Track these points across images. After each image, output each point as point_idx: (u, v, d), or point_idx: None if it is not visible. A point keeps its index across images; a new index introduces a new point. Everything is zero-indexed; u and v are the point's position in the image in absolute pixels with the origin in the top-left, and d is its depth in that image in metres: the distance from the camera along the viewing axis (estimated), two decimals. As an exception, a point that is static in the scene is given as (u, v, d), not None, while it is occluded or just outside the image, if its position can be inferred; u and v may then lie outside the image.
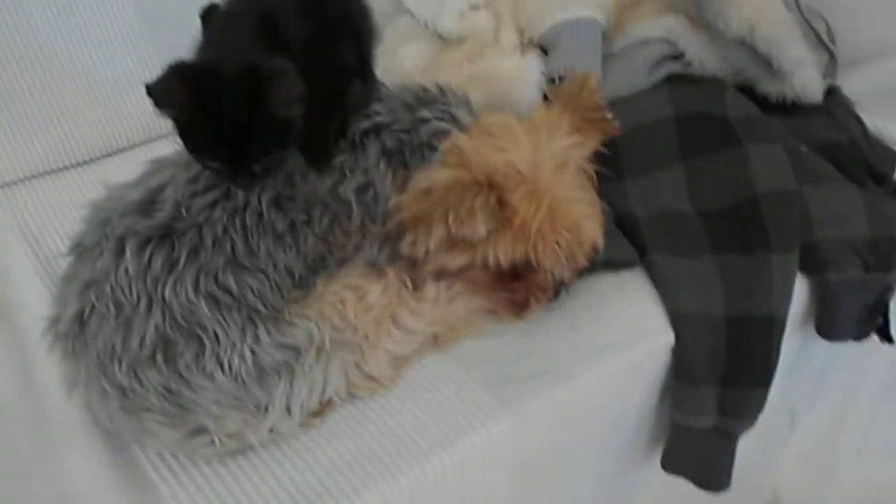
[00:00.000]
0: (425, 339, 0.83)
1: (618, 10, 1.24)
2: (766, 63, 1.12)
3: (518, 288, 0.84)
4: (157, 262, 0.69)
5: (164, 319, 0.68)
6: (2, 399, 0.81)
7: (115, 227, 0.71)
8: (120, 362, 0.68)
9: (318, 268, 0.78)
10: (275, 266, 0.74)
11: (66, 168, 1.16)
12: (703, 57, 1.17)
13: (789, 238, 0.95)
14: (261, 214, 0.74)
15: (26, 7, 1.08)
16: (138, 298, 0.68)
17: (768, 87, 1.13)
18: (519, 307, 0.86)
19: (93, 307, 0.69)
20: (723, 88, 1.13)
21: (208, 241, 0.71)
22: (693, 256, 0.95)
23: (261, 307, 0.72)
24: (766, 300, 0.91)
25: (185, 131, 0.69)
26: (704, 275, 0.93)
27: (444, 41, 1.26)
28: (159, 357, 0.68)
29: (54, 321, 0.73)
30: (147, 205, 0.72)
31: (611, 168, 1.07)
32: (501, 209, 0.77)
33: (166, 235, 0.70)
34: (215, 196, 0.73)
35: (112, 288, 0.69)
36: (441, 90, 0.88)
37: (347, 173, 0.79)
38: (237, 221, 0.73)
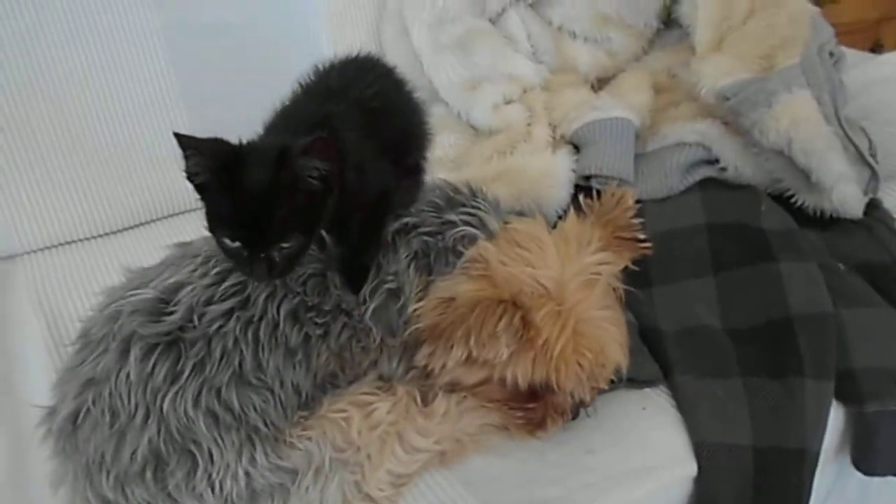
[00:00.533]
0: (431, 457, 0.79)
1: (653, 112, 1.24)
2: (805, 175, 1.09)
3: (535, 408, 0.81)
4: (161, 373, 0.67)
5: (158, 433, 0.66)
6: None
7: (123, 324, 0.70)
8: (108, 473, 0.66)
9: (326, 386, 0.76)
10: (282, 383, 0.71)
11: (88, 239, 1.17)
12: (738, 164, 1.15)
13: (824, 364, 0.90)
14: (276, 326, 0.72)
15: (66, 82, 1.10)
16: (136, 408, 0.66)
17: (806, 199, 1.10)
18: (534, 427, 0.82)
19: (88, 410, 0.67)
20: (758, 198, 1.11)
21: (216, 354, 0.69)
22: (720, 378, 0.90)
23: (262, 426, 0.69)
24: (798, 431, 0.85)
25: (207, 198, 0.66)
26: (731, 400, 0.88)
27: (477, 132, 1.26)
28: (148, 473, 0.66)
29: (50, 414, 0.71)
30: (159, 305, 0.71)
31: (638, 273, 1.05)
32: (525, 330, 0.74)
33: (173, 343, 0.69)
34: (232, 304, 0.71)
35: (111, 392, 0.67)
36: (472, 191, 0.86)
37: (378, 279, 0.77)
38: (249, 334, 0.71)
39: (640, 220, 0.87)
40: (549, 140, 1.21)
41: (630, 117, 1.19)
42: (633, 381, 0.90)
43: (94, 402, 0.67)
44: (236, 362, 0.69)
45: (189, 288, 0.72)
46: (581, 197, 0.88)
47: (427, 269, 0.80)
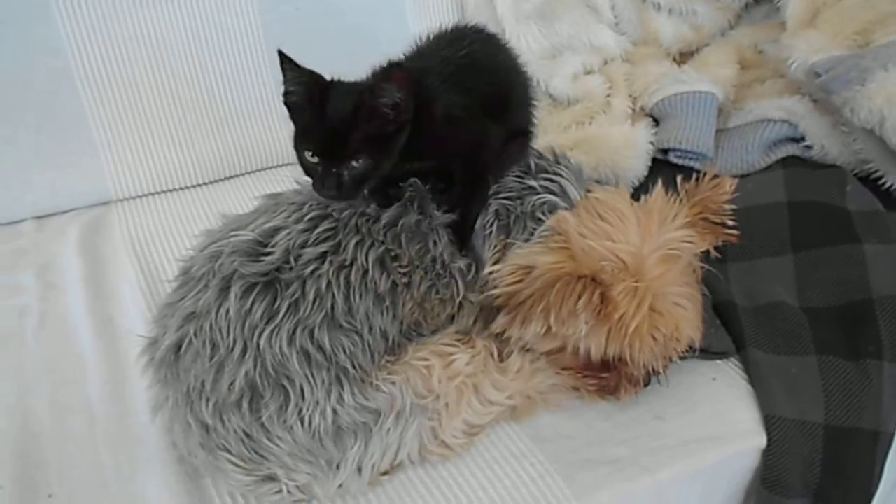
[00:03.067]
0: (503, 410, 0.81)
1: (737, 88, 1.21)
2: (895, 156, 1.06)
3: (608, 377, 0.82)
4: (258, 311, 0.70)
5: (255, 367, 0.69)
6: (93, 411, 0.85)
7: (223, 263, 0.73)
8: (207, 401, 0.70)
9: (411, 334, 0.78)
10: (370, 328, 0.74)
11: (180, 189, 1.23)
12: (825, 142, 1.12)
13: (904, 348, 0.88)
14: (366, 272, 0.74)
15: (168, 40, 1.15)
16: (234, 342, 0.70)
17: (895, 182, 1.07)
18: (607, 393, 0.84)
19: (190, 341, 0.71)
20: (844, 178, 1.08)
21: (310, 296, 0.72)
22: (794, 354, 0.90)
23: (350, 368, 0.72)
24: (873, 412, 0.85)
25: (296, 116, 0.73)
26: (805, 377, 0.87)
27: (554, 102, 1.26)
28: (245, 403, 0.69)
29: (152, 344, 0.76)
30: (258, 246, 0.74)
31: (716, 248, 1.05)
32: (603, 306, 0.75)
33: (271, 283, 0.72)
34: (326, 248, 0.74)
35: (211, 326, 0.71)
36: (555, 157, 0.87)
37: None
38: (341, 278, 0.73)
39: (733, 206, 0.87)
40: (629, 112, 1.21)
41: (714, 91, 1.17)
42: (705, 352, 0.90)
43: (195, 335, 0.71)
44: (329, 305, 0.72)
45: (286, 231, 0.75)
46: (679, 179, 0.88)
47: (506, 231, 0.81)
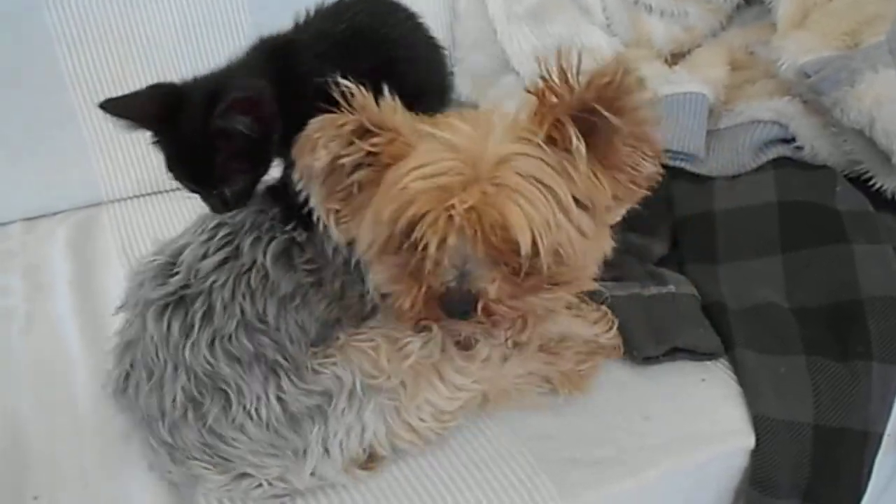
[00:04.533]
0: (472, 398, 0.80)
1: (728, 89, 1.21)
2: (885, 157, 1.06)
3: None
4: (175, 329, 0.71)
5: (189, 380, 0.70)
6: (79, 413, 0.85)
7: (144, 291, 0.74)
8: (161, 421, 0.71)
9: (334, 326, 0.77)
10: (287, 327, 0.73)
11: (173, 190, 1.21)
12: (815, 143, 1.12)
13: (893, 349, 0.88)
14: (266, 275, 0.73)
15: (158, 39, 1.15)
16: (165, 363, 0.71)
17: (884, 182, 1.06)
18: (576, 381, 0.84)
19: (132, 369, 0.73)
20: (833, 178, 1.08)
21: (217, 306, 0.71)
22: (783, 354, 0.90)
23: (281, 359, 0.72)
24: (862, 413, 0.84)
25: (157, 145, 0.70)
26: (793, 377, 0.87)
27: (547, 102, 1.26)
28: (190, 415, 0.70)
29: (108, 377, 0.77)
30: (167, 268, 0.74)
31: (705, 249, 1.05)
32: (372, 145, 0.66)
33: (180, 301, 0.72)
34: (224, 255, 0.73)
35: (144, 353, 0.72)
36: None
37: None
38: (243, 284, 0.72)
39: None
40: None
41: (704, 92, 1.17)
42: (693, 352, 0.90)
43: (132, 365, 0.73)
44: (238, 311, 0.71)
45: (190, 247, 0.74)
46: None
47: None
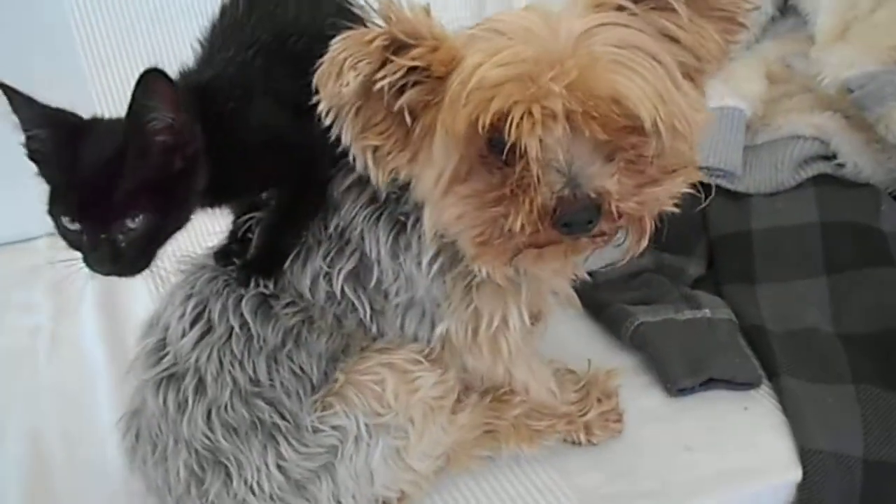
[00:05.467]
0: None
1: (765, 103, 1.18)
2: (932, 175, 1.02)
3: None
4: (171, 405, 0.68)
5: (189, 454, 0.67)
6: (105, 439, 0.82)
7: (140, 372, 0.71)
8: (169, 494, 0.69)
9: (338, 358, 0.71)
10: (282, 382, 0.68)
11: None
12: (858, 160, 1.08)
13: (947, 378, 0.85)
14: (249, 338, 0.67)
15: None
16: (167, 437, 0.68)
17: (931, 202, 1.03)
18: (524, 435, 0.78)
19: (138, 440, 0.71)
20: (877, 197, 1.04)
21: (208, 379, 0.67)
22: (830, 383, 0.86)
23: (279, 420, 0.67)
24: (914, 446, 0.81)
25: (45, 171, 0.57)
26: (842, 407, 0.84)
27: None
28: (193, 490, 0.68)
29: (122, 438, 0.74)
30: (159, 347, 0.71)
31: (743, 270, 1.01)
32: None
33: (171, 377, 0.69)
34: (200, 331, 0.68)
35: (148, 425, 0.70)
36: None
37: (333, 257, 0.68)
38: (227, 354, 0.67)
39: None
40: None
41: (741, 106, 1.14)
42: (730, 382, 0.87)
43: (137, 436, 0.71)
44: (229, 380, 0.67)
45: (171, 326, 0.70)
46: None
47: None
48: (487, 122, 0.52)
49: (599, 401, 0.82)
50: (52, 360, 0.94)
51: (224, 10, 0.68)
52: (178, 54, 1.10)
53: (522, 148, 0.53)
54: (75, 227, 0.56)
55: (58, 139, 0.56)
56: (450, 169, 0.57)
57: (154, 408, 0.68)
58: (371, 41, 0.54)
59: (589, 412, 0.81)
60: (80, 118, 0.58)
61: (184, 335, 0.69)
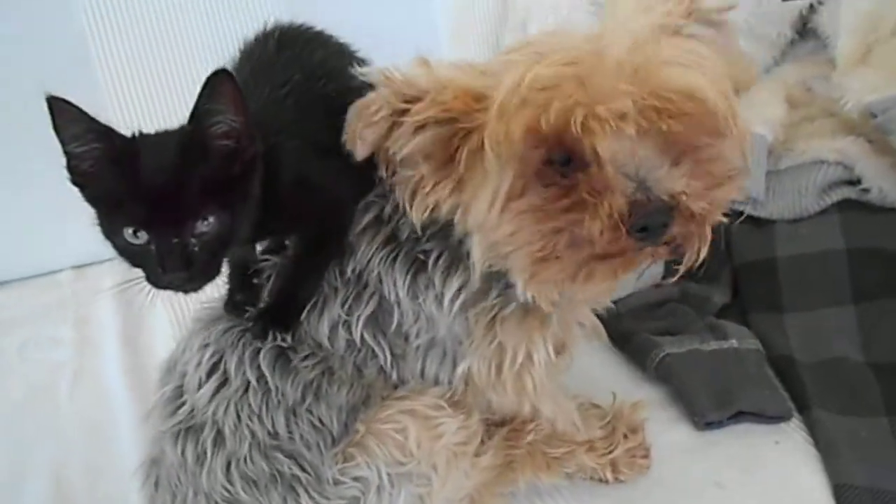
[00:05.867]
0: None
1: (786, 128, 1.17)
2: (960, 199, 1.00)
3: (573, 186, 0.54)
4: (190, 457, 0.66)
5: None
6: (127, 477, 0.82)
7: (158, 421, 0.70)
8: None
9: (358, 410, 0.69)
10: (301, 436, 0.66)
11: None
12: (883, 185, 1.06)
13: (983, 408, 0.82)
14: (266, 391, 0.66)
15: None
16: (186, 489, 0.67)
17: (959, 227, 1.01)
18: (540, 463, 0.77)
19: (155, 490, 0.69)
20: (905, 222, 1.03)
21: (225, 432, 0.66)
22: (862, 416, 0.84)
23: (299, 473, 0.66)
24: (953, 480, 0.79)
25: (95, 189, 0.55)
26: (876, 441, 0.82)
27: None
28: None
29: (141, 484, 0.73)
30: (177, 394, 0.70)
31: (769, 298, 1.00)
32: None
33: (189, 429, 0.67)
34: (216, 383, 0.67)
35: (168, 475, 0.68)
36: None
37: (352, 304, 0.67)
38: (245, 407, 0.66)
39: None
40: (674, 154, 1.17)
41: (763, 132, 1.13)
42: (760, 416, 0.85)
43: (156, 485, 0.69)
44: (247, 433, 0.66)
45: (188, 374, 0.69)
46: None
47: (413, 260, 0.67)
48: (552, 119, 0.50)
49: (626, 437, 0.81)
50: (74, 396, 0.94)
51: (252, 48, 0.68)
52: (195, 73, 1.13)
53: (588, 153, 0.52)
54: (141, 238, 0.54)
55: (111, 154, 0.54)
56: (505, 186, 0.55)
57: (173, 458, 0.67)
58: (375, 112, 0.56)
59: (615, 449, 0.79)
60: (125, 135, 0.56)
61: (200, 386, 0.67)
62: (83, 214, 1.11)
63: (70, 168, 0.55)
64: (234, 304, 0.69)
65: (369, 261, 0.66)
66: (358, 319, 0.67)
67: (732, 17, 1.26)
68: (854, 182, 1.09)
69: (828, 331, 0.94)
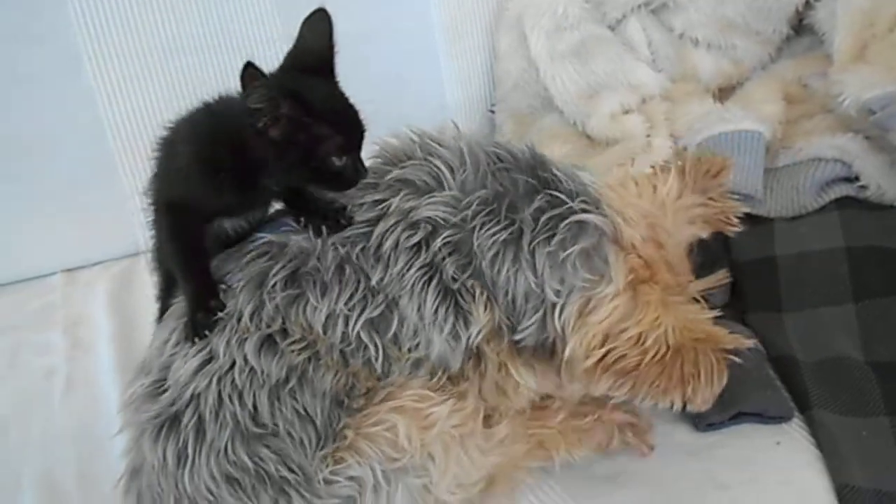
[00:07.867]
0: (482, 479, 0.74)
1: (784, 125, 1.16)
2: (958, 196, 1.00)
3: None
4: (170, 457, 0.65)
5: None
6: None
7: (136, 414, 0.69)
8: None
9: (342, 401, 0.68)
10: (287, 421, 0.65)
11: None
12: (882, 182, 1.06)
13: None
14: (251, 369, 0.65)
15: (195, 87, 1.13)
16: (168, 494, 0.65)
17: (958, 224, 1.01)
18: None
19: (140, 496, 0.68)
20: (904, 220, 1.02)
21: (207, 415, 0.64)
22: (864, 416, 0.84)
23: (287, 473, 0.64)
24: (956, 480, 0.78)
25: (298, 136, 0.65)
26: (878, 441, 0.81)
27: (591, 143, 1.22)
28: None
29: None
30: (157, 386, 0.68)
31: (768, 297, 0.99)
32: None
33: (169, 421, 0.65)
34: (201, 359, 0.66)
35: (149, 483, 0.67)
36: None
37: (356, 304, 0.68)
38: (228, 384, 0.65)
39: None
40: (670, 152, 1.16)
41: (761, 129, 1.12)
42: (760, 416, 0.85)
43: (139, 497, 0.68)
44: (228, 417, 0.64)
45: (165, 356, 0.68)
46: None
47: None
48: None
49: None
50: (66, 403, 0.93)
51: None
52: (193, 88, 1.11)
53: None
54: (343, 160, 0.66)
55: (311, 98, 0.64)
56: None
57: (153, 460, 0.65)
58: None
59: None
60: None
61: (186, 361, 0.66)
62: (73, 218, 1.12)
63: (281, 130, 0.64)
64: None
65: (402, 276, 0.69)
66: (359, 318, 0.68)
67: (729, 14, 1.28)
68: (852, 179, 1.09)
69: (828, 330, 0.93)
